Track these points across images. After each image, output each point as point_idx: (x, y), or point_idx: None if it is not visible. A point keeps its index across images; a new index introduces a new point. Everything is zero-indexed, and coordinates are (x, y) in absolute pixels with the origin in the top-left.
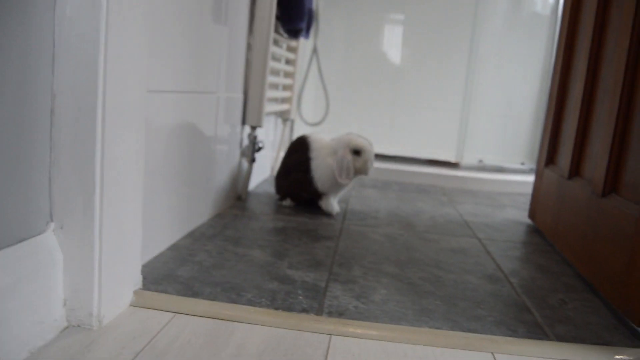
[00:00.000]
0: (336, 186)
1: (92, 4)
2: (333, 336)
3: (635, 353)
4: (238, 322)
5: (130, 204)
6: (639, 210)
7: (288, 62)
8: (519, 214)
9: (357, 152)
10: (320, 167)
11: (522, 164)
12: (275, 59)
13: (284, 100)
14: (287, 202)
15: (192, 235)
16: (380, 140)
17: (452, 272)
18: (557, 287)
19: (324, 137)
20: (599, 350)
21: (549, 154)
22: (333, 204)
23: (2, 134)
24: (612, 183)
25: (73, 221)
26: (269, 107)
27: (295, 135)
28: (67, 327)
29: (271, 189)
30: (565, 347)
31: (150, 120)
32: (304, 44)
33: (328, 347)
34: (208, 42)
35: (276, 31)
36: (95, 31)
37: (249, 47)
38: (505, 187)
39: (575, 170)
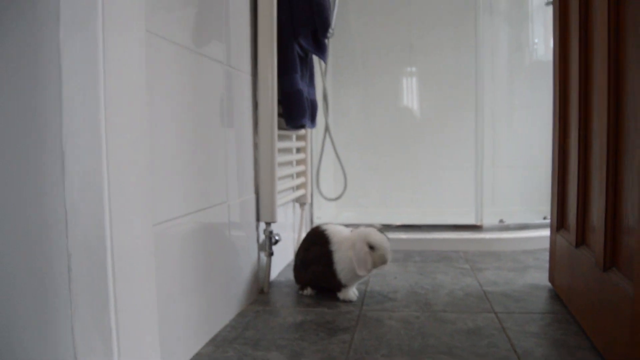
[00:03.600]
0: (356, 277)
1: (95, 177)
2: None
3: None
4: None
5: (146, 338)
6: (633, 288)
7: (299, 150)
8: (541, 276)
9: (372, 247)
10: (343, 260)
11: (545, 218)
12: (285, 151)
13: (299, 187)
14: (308, 291)
15: (214, 341)
16: (400, 208)
17: (463, 357)
18: None
19: (342, 229)
20: None
21: (559, 218)
22: (351, 293)
23: (28, 295)
24: (612, 256)
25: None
26: (283, 199)
27: (315, 217)
28: None
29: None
30: None
31: (161, 241)
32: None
33: None
34: (214, 154)
35: (281, 127)
36: (99, 198)
37: (256, 146)
38: (529, 245)
39: (581, 238)
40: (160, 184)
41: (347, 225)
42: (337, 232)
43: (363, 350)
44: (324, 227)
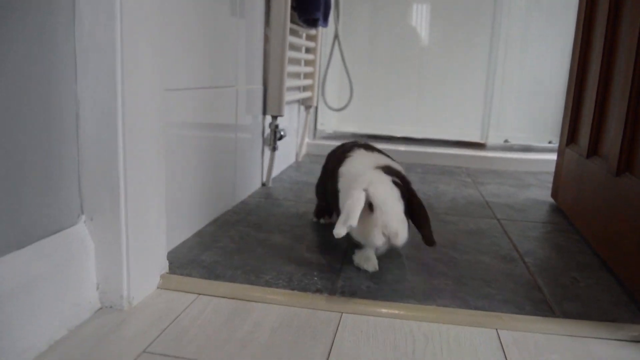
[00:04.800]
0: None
1: (108, 17)
2: (344, 314)
3: (636, 329)
4: (256, 302)
5: (153, 195)
6: None
7: (308, 50)
8: (543, 193)
9: (371, 208)
10: None
11: (550, 142)
12: (295, 48)
13: (305, 88)
14: (326, 219)
15: (216, 222)
16: (405, 123)
17: (466, 252)
18: (572, 266)
19: (370, 159)
20: (602, 327)
21: (570, 132)
22: (366, 258)
23: (34, 139)
24: (626, 162)
25: (101, 213)
26: (290, 96)
27: (319, 124)
28: (100, 308)
29: (295, 175)
30: (569, 323)
31: (170, 115)
32: (326, 31)
33: (338, 324)
34: (225, 36)
35: (293, 21)
36: (112, 42)
37: (267, 38)
38: (532, 167)
39: (594, 149)
40: (171, 54)
41: (351, 138)
42: (357, 163)
43: None
44: (353, 152)
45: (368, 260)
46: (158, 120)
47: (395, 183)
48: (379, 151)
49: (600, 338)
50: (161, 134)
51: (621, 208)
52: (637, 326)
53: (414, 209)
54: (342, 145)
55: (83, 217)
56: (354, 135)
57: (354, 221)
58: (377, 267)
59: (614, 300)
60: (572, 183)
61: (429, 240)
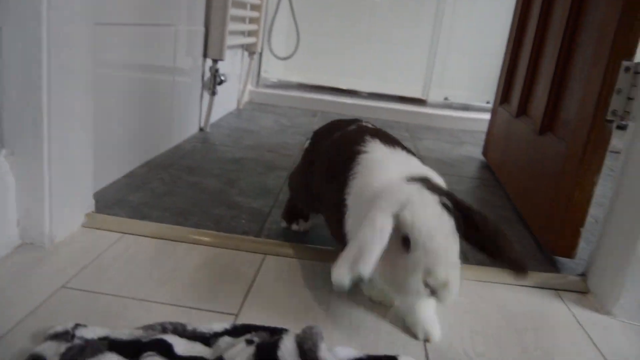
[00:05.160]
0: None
1: None
2: (267, 256)
3: (540, 277)
4: (181, 242)
5: (80, 132)
6: (566, 147)
7: None
8: (476, 150)
9: (406, 242)
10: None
11: (488, 102)
12: None
13: (250, 34)
14: (301, 225)
15: (148, 165)
16: (350, 76)
17: None
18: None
19: (392, 161)
20: (509, 274)
21: (504, 92)
22: (421, 319)
23: None
24: (550, 122)
25: (23, 147)
26: (233, 40)
27: (263, 71)
28: (20, 245)
29: (235, 121)
30: (480, 270)
31: (103, 52)
32: None
33: (261, 265)
34: None
35: None
36: None
37: None
38: (470, 125)
39: (523, 109)
40: None
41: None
42: (378, 168)
43: None
44: (366, 144)
45: (424, 326)
46: (87, 55)
47: (445, 206)
48: (400, 144)
49: (506, 284)
50: (91, 69)
51: (539, 166)
52: (540, 274)
53: (484, 232)
54: (340, 126)
55: (3, 151)
56: (300, 85)
57: (367, 267)
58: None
59: (525, 251)
60: (501, 141)
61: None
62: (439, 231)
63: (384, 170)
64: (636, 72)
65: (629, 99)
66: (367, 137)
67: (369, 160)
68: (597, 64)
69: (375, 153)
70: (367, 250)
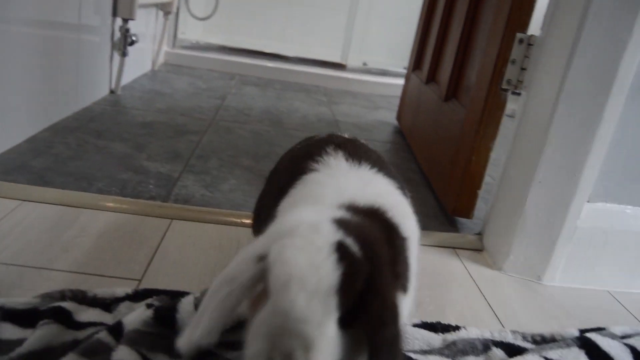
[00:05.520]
0: None
1: None
2: (174, 220)
3: (440, 236)
4: (84, 208)
5: None
6: (465, 113)
7: None
8: (390, 115)
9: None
10: None
11: (405, 68)
12: None
13: None
14: None
15: (53, 128)
16: (270, 38)
17: None
18: None
19: (342, 180)
20: None
21: (417, 59)
22: None
23: None
24: (454, 88)
25: None
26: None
27: (180, 33)
28: None
29: (149, 84)
30: None
31: None
32: None
33: (167, 230)
34: None
35: None
36: None
37: None
38: (386, 90)
39: (432, 75)
40: None
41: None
42: (315, 189)
43: (209, 149)
44: (322, 156)
45: None
46: None
47: (341, 254)
48: (371, 159)
49: None
50: None
51: (443, 131)
52: (440, 234)
53: (369, 323)
54: (311, 139)
55: None
56: (221, 47)
57: (206, 331)
58: None
59: (427, 212)
60: (412, 106)
61: None
62: (302, 287)
63: (316, 196)
64: (529, 44)
65: (522, 69)
66: (329, 150)
67: (308, 182)
68: (494, 36)
69: (325, 171)
70: (203, 312)
